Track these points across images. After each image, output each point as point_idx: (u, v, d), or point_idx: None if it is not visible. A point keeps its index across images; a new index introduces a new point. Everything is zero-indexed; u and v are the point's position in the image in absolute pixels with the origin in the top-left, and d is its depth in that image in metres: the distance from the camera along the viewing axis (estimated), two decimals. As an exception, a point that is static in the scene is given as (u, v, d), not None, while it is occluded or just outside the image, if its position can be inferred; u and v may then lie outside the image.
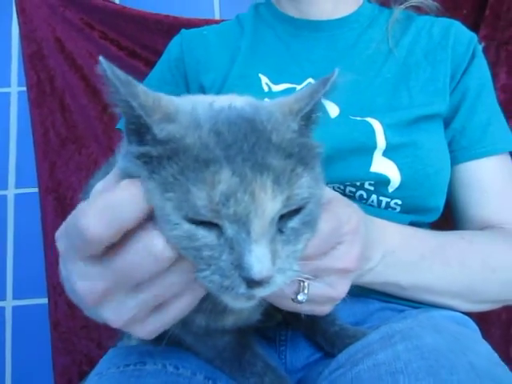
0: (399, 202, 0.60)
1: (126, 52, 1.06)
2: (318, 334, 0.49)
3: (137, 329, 0.33)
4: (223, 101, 0.31)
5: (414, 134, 0.60)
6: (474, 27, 0.93)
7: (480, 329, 0.92)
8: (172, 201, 0.27)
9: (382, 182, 0.58)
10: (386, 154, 0.59)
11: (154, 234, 0.28)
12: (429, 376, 0.33)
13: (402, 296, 0.53)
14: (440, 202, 0.64)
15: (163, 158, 0.27)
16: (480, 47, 0.72)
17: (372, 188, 0.59)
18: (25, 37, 1.05)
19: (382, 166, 0.58)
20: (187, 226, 0.27)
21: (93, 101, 1.05)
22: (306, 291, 0.36)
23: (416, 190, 0.59)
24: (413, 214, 0.61)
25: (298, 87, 0.67)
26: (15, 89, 1.13)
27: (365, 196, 0.59)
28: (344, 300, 0.50)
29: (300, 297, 0.36)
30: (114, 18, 1.05)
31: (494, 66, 0.92)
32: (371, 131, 0.59)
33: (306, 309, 0.38)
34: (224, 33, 0.78)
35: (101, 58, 0.27)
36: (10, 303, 1.07)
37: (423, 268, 0.51)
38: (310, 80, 0.68)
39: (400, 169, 0.58)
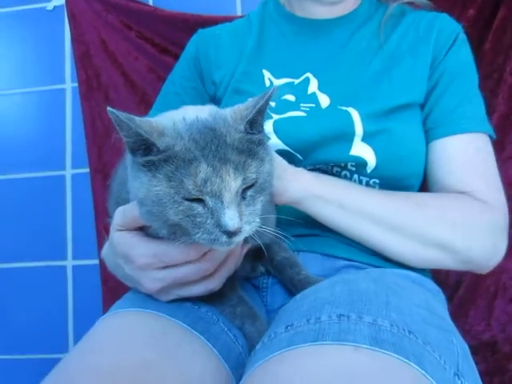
0: (377, 181, 0.67)
1: (158, 49, 1.18)
2: (288, 282, 0.61)
3: (161, 296, 0.52)
4: (191, 113, 0.44)
5: (389, 122, 0.66)
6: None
7: (468, 299, 1.00)
8: (173, 188, 0.40)
9: (360, 164, 0.66)
10: (364, 139, 0.66)
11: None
12: (347, 305, 0.45)
13: (347, 228, 0.62)
14: (416, 182, 0.70)
15: (161, 161, 0.40)
16: (464, 36, 0.75)
17: (354, 169, 0.67)
18: (75, 39, 1.20)
19: (360, 150, 0.66)
20: (186, 203, 0.40)
21: (131, 93, 1.19)
22: None
23: (390, 171, 0.66)
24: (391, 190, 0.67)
25: (296, 81, 0.74)
26: (69, 85, 1.27)
27: (348, 175, 0.68)
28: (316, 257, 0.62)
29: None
30: (148, 19, 1.17)
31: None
32: (350, 120, 0.66)
33: None
34: (235, 31, 0.83)
35: (109, 109, 0.38)
36: (70, 263, 1.25)
37: (352, 189, 0.63)
38: (308, 75, 0.74)
39: (376, 153, 0.65)
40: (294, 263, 0.61)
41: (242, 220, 0.41)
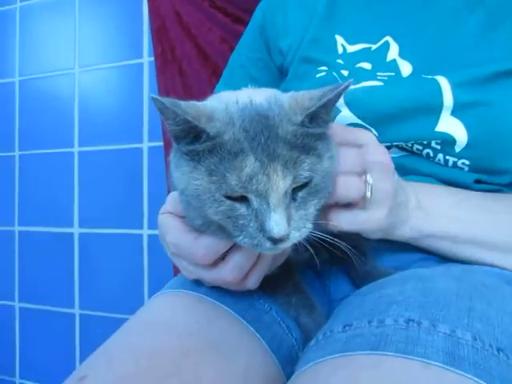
0: (467, 162, 0.57)
1: (231, 18, 1.15)
2: (352, 271, 0.55)
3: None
4: (246, 97, 0.38)
5: (487, 92, 0.56)
6: None
7: None
8: (214, 183, 0.36)
9: (447, 141, 0.57)
10: (453, 113, 0.56)
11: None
12: (418, 308, 0.38)
13: (451, 255, 0.54)
14: None
15: (205, 151, 0.36)
16: None
17: (439, 147, 0.58)
18: (152, 13, 1.22)
19: (448, 125, 0.56)
20: (228, 202, 0.36)
21: (204, 66, 1.19)
22: (368, 180, 0.44)
23: (485, 151, 0.56)
24: (482, 173, 0.58)
25: (374, 47, 0.65)
26: (146, 59, 1.31)
27: (431, 154, 0.59)
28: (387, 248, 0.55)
29: (364, 187, 0.44)
30: None
31: None
32: (438, 90, 0.57)
33: (366, 215, 0.45)
34: None
35: (152, 96, 0.34)
36: (146, 232, 1.31)
37: (469, 217, 0.53)
38: (388, 38, 0.65)
39: (468, 128, 0.55)
40: (361, 249, 0.54)
41: (289, 225, 0.36)
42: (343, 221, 0.45)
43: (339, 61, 0.67)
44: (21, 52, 1.47)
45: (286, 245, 0.37)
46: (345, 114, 0.61)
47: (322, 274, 0.61)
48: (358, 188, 0.44)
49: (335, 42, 0.68)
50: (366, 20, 0.68)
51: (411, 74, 0.61)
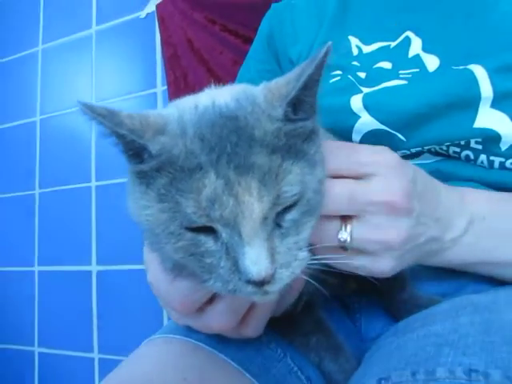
0: None
1: (241, 40, 1.14)
2: (388, 301, 0.45)
3: None
4: (207, 99, 0.30)
5: None
6: None
7: None
8: (166, 212, 0.27)
9: (490, 138, 0.48)
10: (494, 104, 0.48)
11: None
12: (481, 352, 0.28)
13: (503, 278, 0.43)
14: None
15: (153, 171, 0.28)
16: None
17: (480, 147, 0.49)
18: (164, 42, 1.24)
19: (489, 119, 0.48)
20: (189, 235, 0.28)
21: (217, 89, 1.18)
22: (347, 229, 0.33)
23: None
24: None
25: (393, 44, 0.59)
26: (160, 88, 1.31)
27: (472, 156, 0.50)
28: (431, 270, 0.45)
29: (342, 235, 0.33)
30: (229, 9, 1.14)
31: None
32: (472, 80, 0.49)
33: (360, 263, 0.35)
34: None
35: (78, 101, 0.27)
36: None
37: None
38: (408, 33, 0.58)
39: None
40: (397, 275, 0.44)
41: (273, 262, 0.27)
42: (337, 261, 0.34)
43: (355, 63, 0.61)
44: (42, 91, 1.50)
45: (276, 287, 0.27)
46: (365, 120, 0.53)
47: (349, 307, 0.51)
48: (330, 238, 0.34)
49: (349, 43, 0.63)
50: (382, 17, 0.62)
51: (439, 68, 0.54)
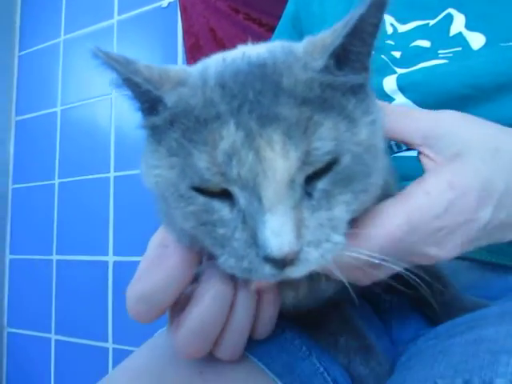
0: None
1: (265, 28, 1.11)
2: (424, 303, 0.40)
3: None
4: (240, 52, 0.26)
5: None
6: None
7: None
8: (175, 168, 0.24)
9: None
10: None
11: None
12: None
13: None
14: None
15: (167, 123, 0.24)
16: None
17: None
18: (186, 32, 1.20)
19: None
20: (202, 199, 0.24)
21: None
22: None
23: None
24: None
25: (432, 22, 0.54)
26: None
27: None
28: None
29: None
30: None
31: None
32: None
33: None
34: None
35: (91, 47, 0.24)
36: None
37: None
38: (450, 10, 0.53)
39: None
40: (435, 274, 0.39)
41: (300, 237, 0.22)
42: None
43: (389, 41, 0.57)
44: (63, 82, 1.50)
45: (299, 271, 0.23)
46: (399, 103, 0.49)
47: (379, 306, 0.47)
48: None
49: (383, 22, 0.59)
50: None
51: (485, 45, 0.49)
